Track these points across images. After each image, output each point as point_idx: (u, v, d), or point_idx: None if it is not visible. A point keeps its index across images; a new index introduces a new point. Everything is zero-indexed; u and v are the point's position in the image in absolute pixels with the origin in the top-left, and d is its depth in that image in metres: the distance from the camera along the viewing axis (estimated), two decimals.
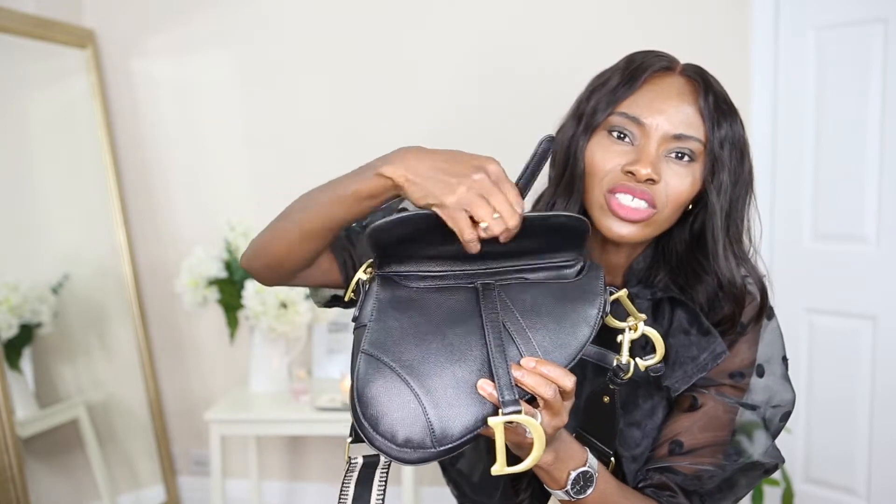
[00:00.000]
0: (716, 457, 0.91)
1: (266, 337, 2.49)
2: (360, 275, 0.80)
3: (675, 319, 0.95)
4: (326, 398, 2.38)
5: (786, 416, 0.95)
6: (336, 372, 2.64)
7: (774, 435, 0.95)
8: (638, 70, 0.93)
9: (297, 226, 0.89)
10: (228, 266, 2.50)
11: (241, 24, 2.74)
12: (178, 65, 2.78)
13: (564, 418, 0.76)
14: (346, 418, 2.19)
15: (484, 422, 0.70)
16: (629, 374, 0.83)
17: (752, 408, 0.93)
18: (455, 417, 0.70)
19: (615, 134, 0.91)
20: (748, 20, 2.48)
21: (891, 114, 2.26)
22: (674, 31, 2.49)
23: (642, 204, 0.88)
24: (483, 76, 2.59)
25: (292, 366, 2.56)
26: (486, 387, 0.71)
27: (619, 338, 0.82)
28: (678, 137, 0.90)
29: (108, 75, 2.79)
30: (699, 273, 0.94)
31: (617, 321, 0.82)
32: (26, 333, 2.39)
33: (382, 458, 0.79)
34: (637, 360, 0.83)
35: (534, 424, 0.71)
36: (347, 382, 2.31)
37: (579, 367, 0.92)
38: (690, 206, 0.93)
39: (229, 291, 2.49)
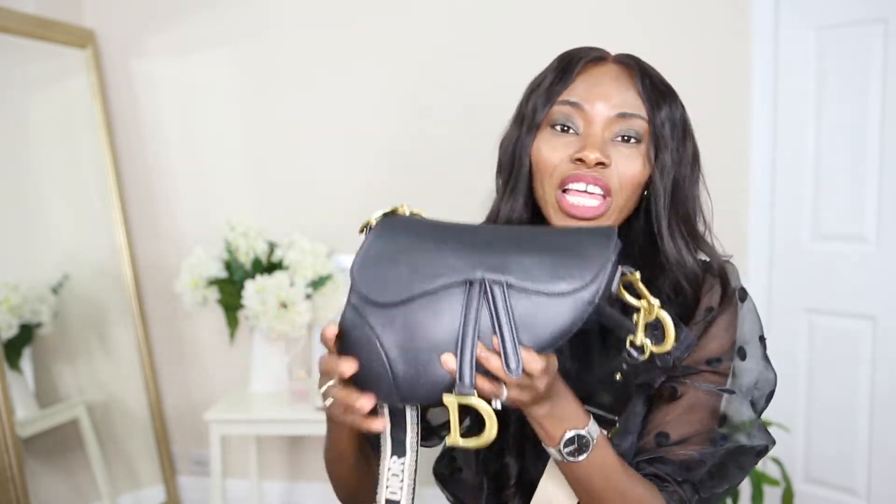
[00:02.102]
0: (703, 444, 0.90)
1: (266, 337, 2.49)
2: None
3: None
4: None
5: (769, 397, 0.94)
6: None
7: (759, 415, 0.93)
8: (570, 63, 0.93)
9: (338, 461, 0.95)
10: (228, 266, 2.50)
11: (241, 24, 2.74)
12: (178, 65, 2.78)
13: (539, 388, 0.75)
14: None
15: (446, 389, 0.72)
16: (646, 356, 0.79)
17: (731, 392, 0.91)
18: (422, 385, 0.73)
19: (559, 127, 0.91)
20: (748, 20, 2.48)
21: (891, 114, 2.26)
22: (674, 31, 2.49)
23: (597, 190, 0.89)
24: (498, 74, 2.59)
25: (292, 366, 2.56)
26: (449, 362, 0.72)
27: (634, 317, 0.79)
28: (622, 116, 0.90)
29: (108, 75, 2.79)
30: (661, 262, 0.93)
31: (632, 298, 0.78)
32: (26, 333, 2.39)
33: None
34: (648, 341, 0.79)
35: (486, 409, 0.72)
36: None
37: (584, 344, 0.91)
38: (646, 192, 0.93)
39: (229, 291, 2.49)
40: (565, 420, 0.81)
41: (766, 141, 2.50)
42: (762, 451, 0.92)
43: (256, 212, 2.68)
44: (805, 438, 2.49)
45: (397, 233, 0.78)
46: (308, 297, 2.41)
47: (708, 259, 0.96)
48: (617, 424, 0.89)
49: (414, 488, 0.81)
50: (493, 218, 0.98)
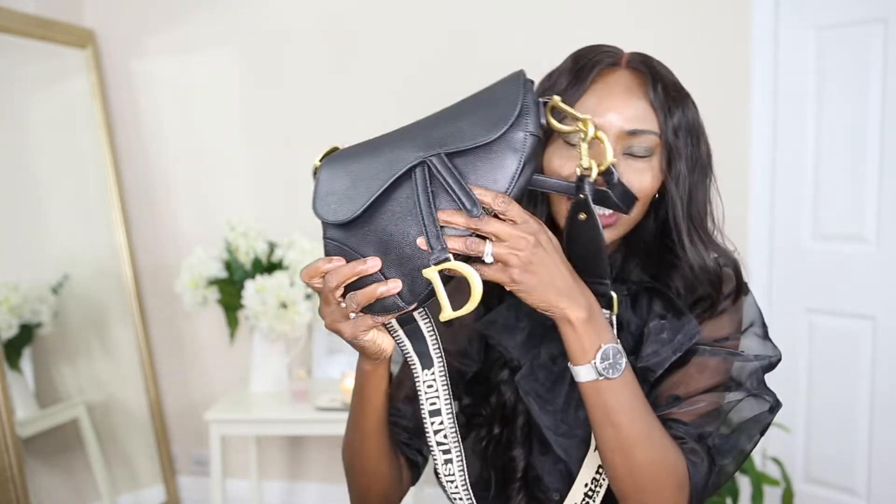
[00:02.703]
0: (713, 400, 0.91)
1: (266, 337, 2.49)
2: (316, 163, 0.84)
3: (653, 308, 0.95)
4: (327, 398, 2.38)
5: (771, 366, 0.95)
6: (336, 372, 2.64)
7: (762, 380, 0.94)
8: (584, 70, 0.92)
9: (358, 434, 0.95)
10: (228, 266, 2.50)
11: (241, 23, 2.74)
12: (178, 65, 2.78)
13: (526, 237, 0.76)
14: (346, 418, 2.19)
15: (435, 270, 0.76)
16: (594, 176, 0.81)
17: (739, 354, 0.93)
18: (416, 283, 0.77)
19: (570, 141, 0.90)
20: (748, 20, 2.48)
21: (891, 114, 2.26)
22: (674, 31, 2.49)
23: (604, 210, 0.88)
24: (500, 72, 2.59)
25: (292, 366, 2.56)
26: (421, 243, 0.77)
27: (577, 149, 0.82)
28: (632, 133, 0.89)
29: (108, 75, 2.79)
30: (671, 260, 0.94)
31: (563, 125, 0.81)
32: (26, 333, 2.39)
33: (415, 314, 0.84)
34: (593, 162, 0.81)
35: (466, 269, 0.75)
36: (348, 382, 2.30)
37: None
38: (656, 195, 0.93)
39: (229, 291, 2.49)
40: (601, 333, 0.82)
41: (766, 141, 2.50)
42: (774, 409, 0.93)
43: (256, 212, 2.69)
44: (805, 438, 2.49)
45: (339, 161, 0.82)
46: (308, 297, 2.41)
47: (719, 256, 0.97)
48: (614, 295, 0.90)
49: (450, 394, 0.86)
50: None
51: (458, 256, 0.77)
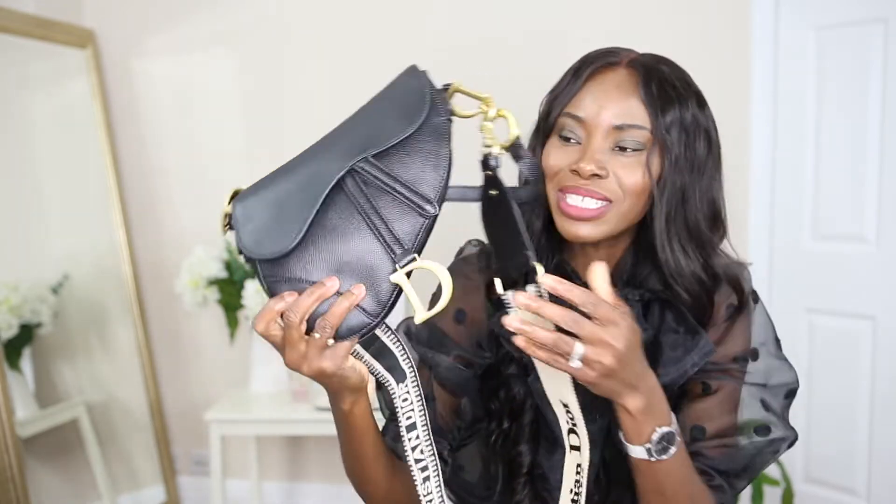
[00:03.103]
0: (737, 435, 0.91)
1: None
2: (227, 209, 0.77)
3: (665, 319, 0.94)
4: (327, 398, 2.38)
5: (791, 394, 0.95)
6: None
7: (783, 411, 0.94)
8: (581, 69, 0.94)
9: (356, 462, 0.94)
10: (228, 266, 2.50)
11: (241, 23, 2.74)
12: (178, 65, 2.78)
13: (616, 364, 0.75)
14: None
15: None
16: (498, 150, 0.80)
17: (763, 385, 0.93)
18: (380, 292, 0.74)
19: (563, 137, 0.92)
20: (748, 20, 2.47)
21: (891, 114, 2.26)
22: (674, 31, 2.49)
23: (591, 204, 0.89)
24: (499, 73, 2.59)
25: None
26: (374, 254, 0.74)
27: (482, 130, 0.80)
28: (620, 128, 0.89)
29: (108, 75, 2.79)
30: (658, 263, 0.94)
31: (465, 112, 0.80)
32: (26, 333, 2.39)
33: (376, 331, 0.79)
34: (495, 142, 0.80)
35: (434, 266, 0.74)
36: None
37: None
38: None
39: (229, 291, 2.49)
40: (658, 417, 0.81)
41: (766, 141, 2.50)
42: (793, 441, 0.94)
43: None
44: (805, 438, 2.49)
45: (252, 196, 0.76)
46: None
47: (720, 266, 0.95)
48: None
49: (423, 404, 0.82)
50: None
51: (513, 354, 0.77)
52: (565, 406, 0.87)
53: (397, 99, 0.78)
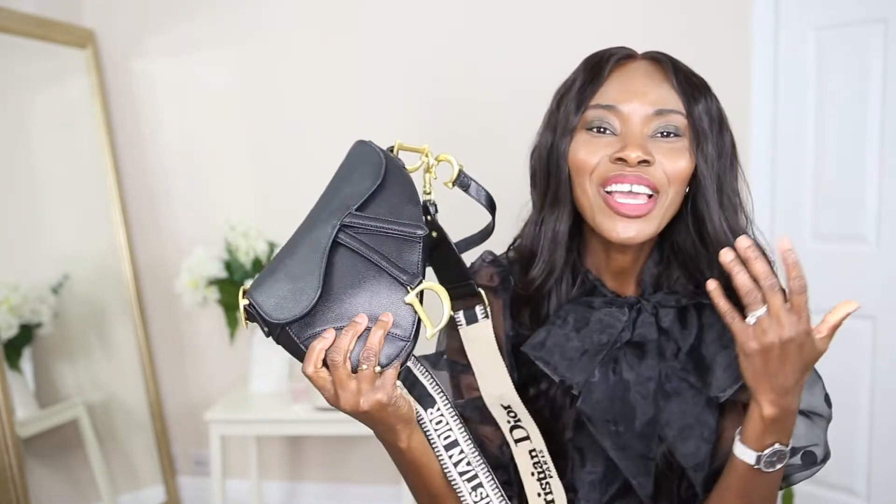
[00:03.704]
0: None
1: (266, 337, 2.48)
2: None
3: (703, 321, 0.92)
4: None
5: (828, 399, 0.98)
6: None
7: (828, 421, 0.98)
8: (599, 64, 0.91)
9: (432, 501, 0.92)
10: (228, 266, 2.50)
11: (241, 23, 2.74)
12: (178, 65, 2.78)
13: (787, 346, 0.79)
14: (345, 418, 2.19)
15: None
16: (431, 195, 0.88)
17: (821, 417, 0.97)
18: (403, 317, 0.81)
19: (595, 129, 0.89)
20: (748, 20, 2.48)
21: (891, 114, 2.26)
22: (674, 31, 2.49)
23: (643, 190, 0.86)
24: (500, 75, 2.59)
25: (292, 366, 2.56)
26: (381, 296, 0.81)
27: (423, 180, 0.88)
28: (660, 113, 0.88)
29: (108, 75, 2.79)
30: (713, 264, 0.89)
31: (412, 167, 0.89)
32: (26, 333, 2.39)
33: (408, 363, 0.86)
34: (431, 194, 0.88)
35: (437, 288, 0.81)
36: None
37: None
38: (687, 189, 0.91)
39: (229, 291, 2.49)
40: (783, 433, 0.83)
41: (766, 141, 2.50)
42: (823, 461, 0.98)
43: (256, 212, 2.68)
44: None
45: (264, 280, 0.82)
46: None
47: None
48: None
49: (461, 420, 0.88)
50: (535, 228, 0.95)
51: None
52: (506, 407, 0.91)
53: (356, 165, 0.87)
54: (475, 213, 1.01)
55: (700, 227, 0.91)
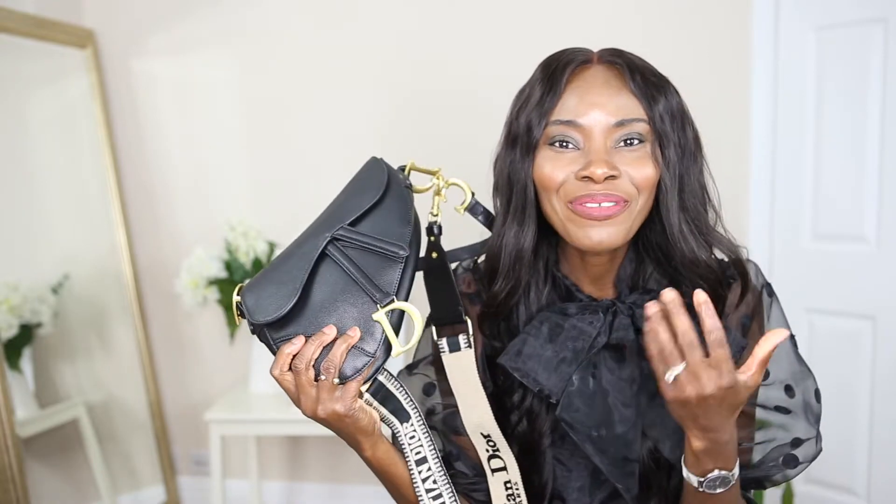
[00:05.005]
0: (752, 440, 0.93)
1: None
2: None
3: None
4: None
5: (818, 394, 0.97)
6: None
7: (817, 418, 0.97)
8: (556, 73, 0.89)
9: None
10: (228, 266, 2.50)
11: (241, 23, 2.74)
12: (178, 65, 2.78)
13: (706, 403, 0.77)
14: None
15: (388, 324, 0.84)
16: (437, 217, 0.92)
17: (812, 409, 0.96)
18: (373, 334, 0.84)
19: (557, 144, 0.88)
20: (748, 20, 2.47)
21: (891, 114, 2.26)
22: (673, 31, 2.49)
23: (610, 205, 0.86)
24: (497, 74, 2.59)
25: None
26: (355, 309, 0.85)
27: (433, 202, 0.92)
28: (622, 124, 0.86)
29: (108, 75, 2.79)
30: (683, 262, 0.91)
31: (422, 187, 0.93)
32: (26, 333, 2.39)
33: (378, 377, 0.88)
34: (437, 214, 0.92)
35: (408, 308, 0.84)
36: None
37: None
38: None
39: (229, 291, 2.48)
40: (719, 460, 0.82)
41: (766, 141, 2.50)
42: (811, 458, 0.97)
43: (256, 212, 2.68)
44: None
45: (257, 281, 0.86)
46: None
47: (725, 257, 0.93)
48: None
49: (431, 438, 0.90)
50: (497, 240, 0.94)
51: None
52: (486, 436, 0.93)
53: (363, 181, 0.91)
54: (468, 227, 1.02)
55: (664, 229, 0.91)
